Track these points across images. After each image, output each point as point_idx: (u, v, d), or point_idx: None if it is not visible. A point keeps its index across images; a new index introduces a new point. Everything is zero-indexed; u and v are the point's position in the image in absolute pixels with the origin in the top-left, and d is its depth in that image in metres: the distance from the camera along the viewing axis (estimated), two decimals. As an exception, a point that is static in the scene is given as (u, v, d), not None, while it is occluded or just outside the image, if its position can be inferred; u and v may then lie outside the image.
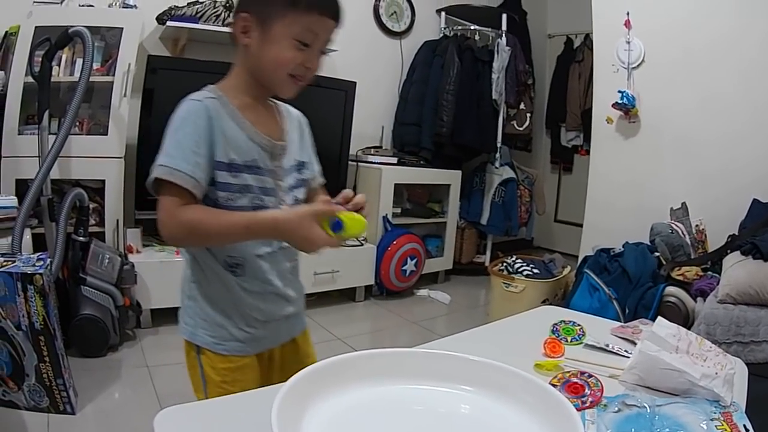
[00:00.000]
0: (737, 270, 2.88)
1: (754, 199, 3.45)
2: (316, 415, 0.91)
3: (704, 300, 3.05)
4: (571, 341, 1.40)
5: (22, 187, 3.18)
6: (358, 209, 1.30)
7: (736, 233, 3.43)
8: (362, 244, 4.52)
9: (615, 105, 4.03)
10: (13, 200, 3.02)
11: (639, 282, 3.40)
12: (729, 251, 3.21)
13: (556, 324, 1.46)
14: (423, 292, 4.94)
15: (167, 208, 1.24)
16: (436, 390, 1.03)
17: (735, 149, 3.67)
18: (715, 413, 1.00)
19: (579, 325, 1.45)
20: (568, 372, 1.15)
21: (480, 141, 5.42)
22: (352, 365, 1.04)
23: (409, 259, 4.71)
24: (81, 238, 3.22)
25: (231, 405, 1.01)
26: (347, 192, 1.33)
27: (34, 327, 2.18)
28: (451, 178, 5.31)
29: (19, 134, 3.31)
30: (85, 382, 2.76)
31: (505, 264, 4.24)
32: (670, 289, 3.27)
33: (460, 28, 5.66)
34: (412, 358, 1.10)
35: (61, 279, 3.12)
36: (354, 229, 1.26)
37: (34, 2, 3.39)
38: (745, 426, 0.97)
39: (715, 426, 0.96)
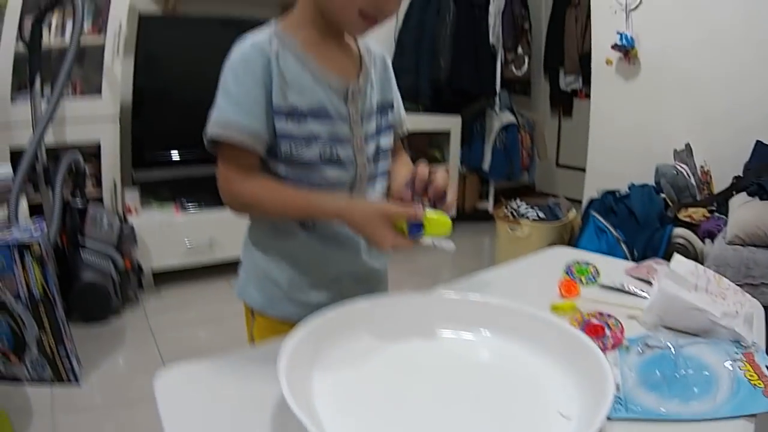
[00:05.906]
0: (745, 211, 2.87)
1: (758, 141, 3.39)
2: (325, 365, 0.90)
3: (712, 241, 3.02)
4: (585, 282, 1.36)
5: (15, 156, 3.12)
6: (441, 198, 1.13)
7: (741, 175, 3.39)
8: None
9: (614, 46, 3.99)
10: (7, 169, 2.95)
11: (646, 223, 3.38)
12: (735, 192, 3.20)
13: (569, 264, 1.42)
14: (426, 240, 4.86)
15: (225, 177, 1.09)
16: (455, 334, 1.03)
17: (738, 89, 3.58)
18: (737, 353, 0.97)
19: (592, 265, 1.41)
20: (587, 313, 1.11)
21: (478, 85, 5.34)
22: (362, 313, 1.02)
23: (411, 207, 4.65)
24: (78, 202, 3.18)
25: (233, 361, 0.98)
26: (422, 171, 1.12)
27: (33, 296, 2.14)
28: (451, 124, 5.25)
29: (11, 102, 3.24)
30: (89, 349, 2.76)
31: (510, 208, 4.20)
32: (678, 230, 3.25)
33: (454, -29, 5.51)
34: (426, 302, 1.12)
35: (60, 246, 3.08)
36: (435, 231, 1.09)
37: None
38: (767, 366, 0.94)
39: (738, 366, 0.93)
